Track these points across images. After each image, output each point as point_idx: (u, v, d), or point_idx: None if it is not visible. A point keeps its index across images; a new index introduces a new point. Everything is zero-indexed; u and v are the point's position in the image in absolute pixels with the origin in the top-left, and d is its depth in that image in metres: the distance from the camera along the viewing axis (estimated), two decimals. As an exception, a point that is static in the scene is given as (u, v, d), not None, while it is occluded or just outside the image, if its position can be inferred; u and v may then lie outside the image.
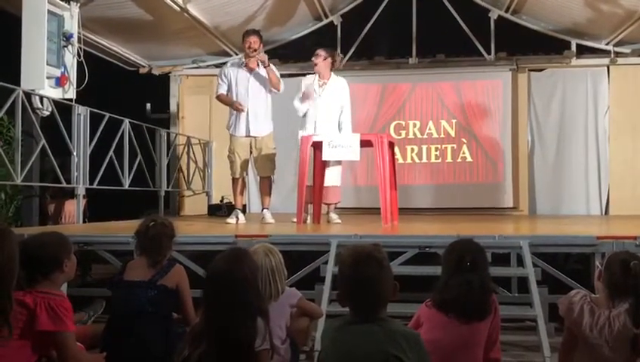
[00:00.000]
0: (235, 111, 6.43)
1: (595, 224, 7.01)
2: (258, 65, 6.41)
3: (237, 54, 8.91)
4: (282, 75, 6.63)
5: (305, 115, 6.62)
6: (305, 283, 4.51)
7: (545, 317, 4.11)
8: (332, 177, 6.60)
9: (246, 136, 6.44)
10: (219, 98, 6.57)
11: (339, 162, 6.63)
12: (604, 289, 2.70)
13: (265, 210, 6.54)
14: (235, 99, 6.38)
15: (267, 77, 6.32)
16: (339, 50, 9.16)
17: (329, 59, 6.55)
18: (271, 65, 6.40)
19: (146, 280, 3.35)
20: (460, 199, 9.10)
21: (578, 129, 9.02)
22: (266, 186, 6.66)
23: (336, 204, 6.86)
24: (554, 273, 4.58)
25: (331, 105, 6.55)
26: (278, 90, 6.42)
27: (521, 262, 4.60)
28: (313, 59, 6.58)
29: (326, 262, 4.51)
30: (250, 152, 6.51)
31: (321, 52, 6.55)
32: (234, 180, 6.58)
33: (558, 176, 9.05)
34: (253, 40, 6.34)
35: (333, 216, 6.65)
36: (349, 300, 2.34)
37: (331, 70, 6.62)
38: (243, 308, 2.42)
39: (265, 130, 6.49)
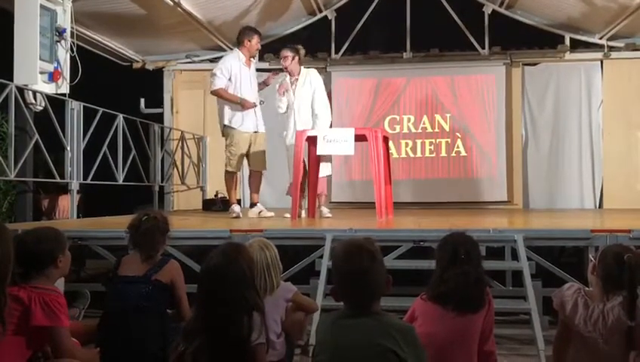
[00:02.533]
0: (240, 107, 6.40)
1: (589, 217, 7.04)
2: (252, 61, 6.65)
3: (231, 49, 8.87)
4: (276, 70, 6.65)
5: (287, 116, 6.59)
6: (300, 277, 4.51)
7: (539, 310, 4.11)
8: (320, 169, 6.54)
9: (253, 132, 6.50)
10: (217, 92, 6.39)
11: (328, 157, 6.59)
12: (598, 283, 2.71)
13: (259, 205, 6.56)
14: (238, 94, 6.38)
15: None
16: (333, 46, 9.24)
17: (296, 57, 6.57)
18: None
19: (140, 275, 3.32)
20: (454, 193, 9.11)
21: (572, 123, 9.04)
22: (257, 181, 6.68)
23: (325, 196, 6.85)
24: (548, 266, 4.59)
25: (305, 98, 6.55)
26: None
27: (515, 256, 4.61)
28: (282, 62, 6.59)
29: (321, 257, 4.51)
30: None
31: (287, 53, 6.55)
32: (231, 174, 6.58)
33: (552, 170, 9.08)
34: (259, 41, 6.67)
35: (324, 210, 6.64)
36: (342, 293, 2.34)
37: (300, 65, 6.63)
38: (239, 302, 2.41)
39: (263, 126, 6.61)
